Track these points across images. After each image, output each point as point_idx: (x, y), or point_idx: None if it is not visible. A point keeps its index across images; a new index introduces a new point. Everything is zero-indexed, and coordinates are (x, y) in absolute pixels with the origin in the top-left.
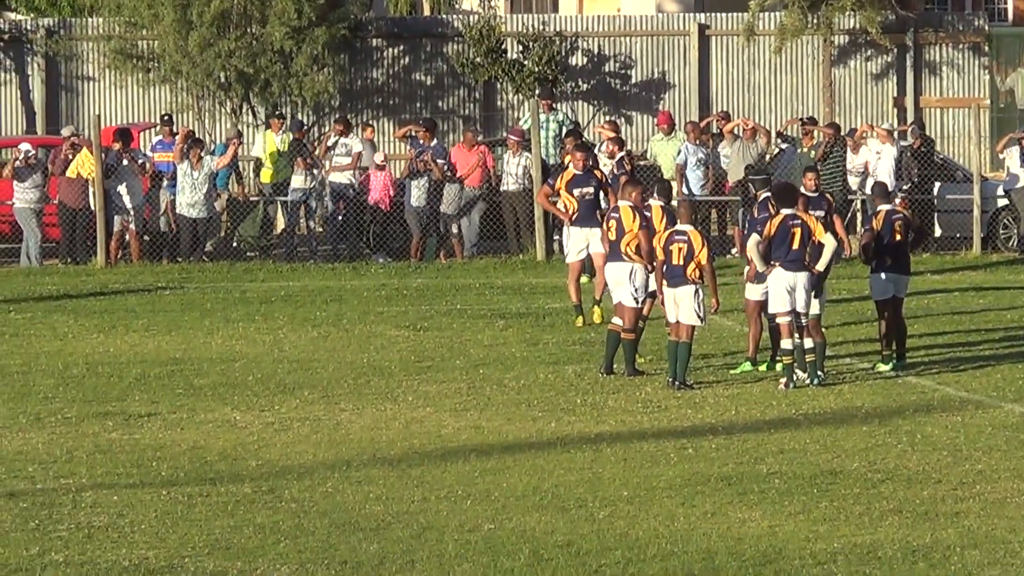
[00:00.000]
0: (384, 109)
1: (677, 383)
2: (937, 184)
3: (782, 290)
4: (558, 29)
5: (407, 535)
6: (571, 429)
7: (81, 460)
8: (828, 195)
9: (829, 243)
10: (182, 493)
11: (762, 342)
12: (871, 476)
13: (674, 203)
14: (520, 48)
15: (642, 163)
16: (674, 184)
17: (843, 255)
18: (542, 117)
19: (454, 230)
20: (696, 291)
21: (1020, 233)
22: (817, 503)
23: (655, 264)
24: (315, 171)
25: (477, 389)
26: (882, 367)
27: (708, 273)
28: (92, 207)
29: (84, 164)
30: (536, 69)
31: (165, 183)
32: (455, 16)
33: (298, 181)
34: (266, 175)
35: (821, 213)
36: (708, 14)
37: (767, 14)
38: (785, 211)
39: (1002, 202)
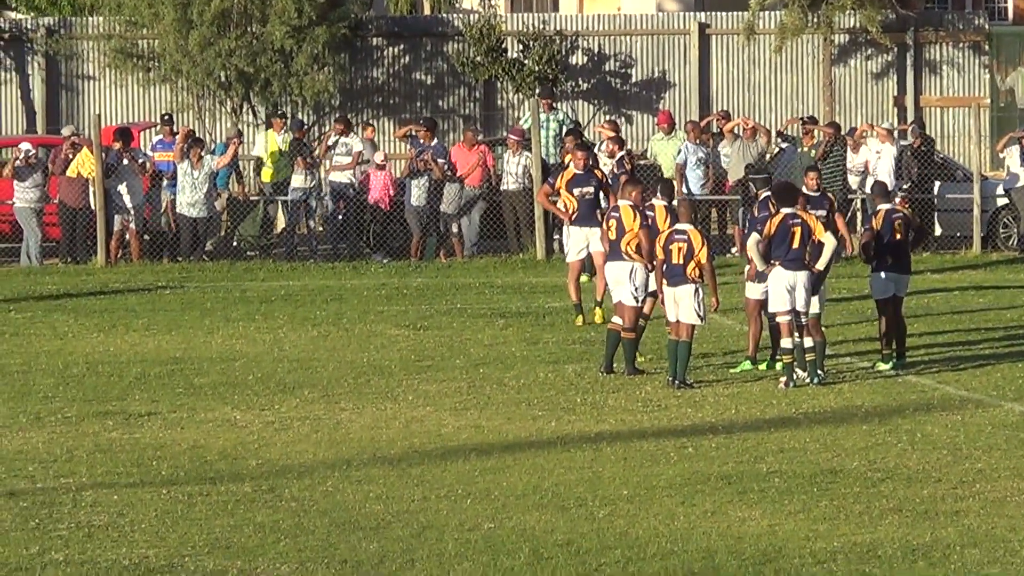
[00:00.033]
0: (384, 108)
1: (677, 382)
2: (937, 183)
3: (782, 289)
4: (558, 28)
5: (407, 534)
6: (571, 428)
7: (81, 459)
8: (830, 194)
9: (829, 242)
10: (182, 492)
11: (762, 341)
12: (871, 475)
13: (674, 203)
14: (520, 47)
15: (642, 162)
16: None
17: (843, 253)
18: (542, 116)
19: (454, 229)
20: (696, 290)
21: (1020, 232)
22: (817, 502)
23: (655, 263)
24: (315, 170)
25: (477, 388)
26: (882, 366)
27: (708, 272)
28: (92, 206)
29: (84, 163)
30: (536, 68)
31: (165, 183)
32: (455, 15)
33: (298, 180)
34: (267, 174)
35: (823, 212)
36: (708, 13)
37: (767, 13)
38: (785, 210)
39: (1002, 201)
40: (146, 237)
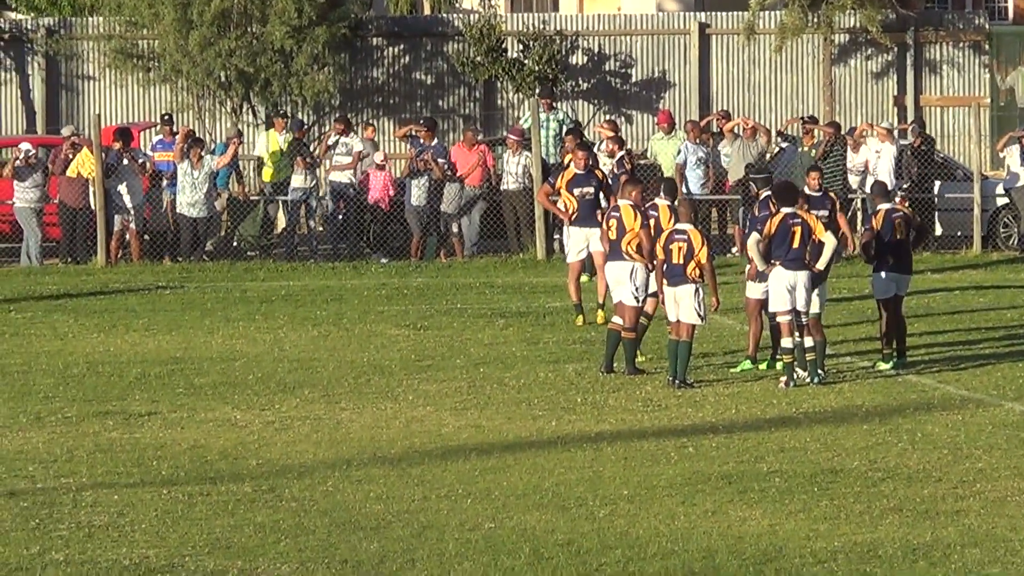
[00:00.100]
0: (384, 108)
1: (677, 382)
2: (937, 183)
3: (782, 289)
4: (558, 28)
5: (407, 534)
6: (571, 428)
7: (81, 459)
8: (832, 194)
9: (829, 242)
10: (182, 492)
11: (762, 341)
12: (871, 474)
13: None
14: (520, 47)
15: (642, 162)
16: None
17: (844, 253)
18: (542, 116)
19: (454, 229)
20: (696, 290)
21: (1020, 232)
22: (817, 501)
23: (655, 263)
24: (314, 170)
25: (477, 388)
26: (882, 365)
27: (708, 272)
28: (92, 206)
29: (84, 163)
30: (536, 68)
31: (165, 183)
32: (455, 15)
33: (298, 180)
34: (267, 174)
35: (825, 212)
36: (708, 13)
37: (767, 13)
38: (785, 210)
39: (1002, 201)
40: (146, 237)
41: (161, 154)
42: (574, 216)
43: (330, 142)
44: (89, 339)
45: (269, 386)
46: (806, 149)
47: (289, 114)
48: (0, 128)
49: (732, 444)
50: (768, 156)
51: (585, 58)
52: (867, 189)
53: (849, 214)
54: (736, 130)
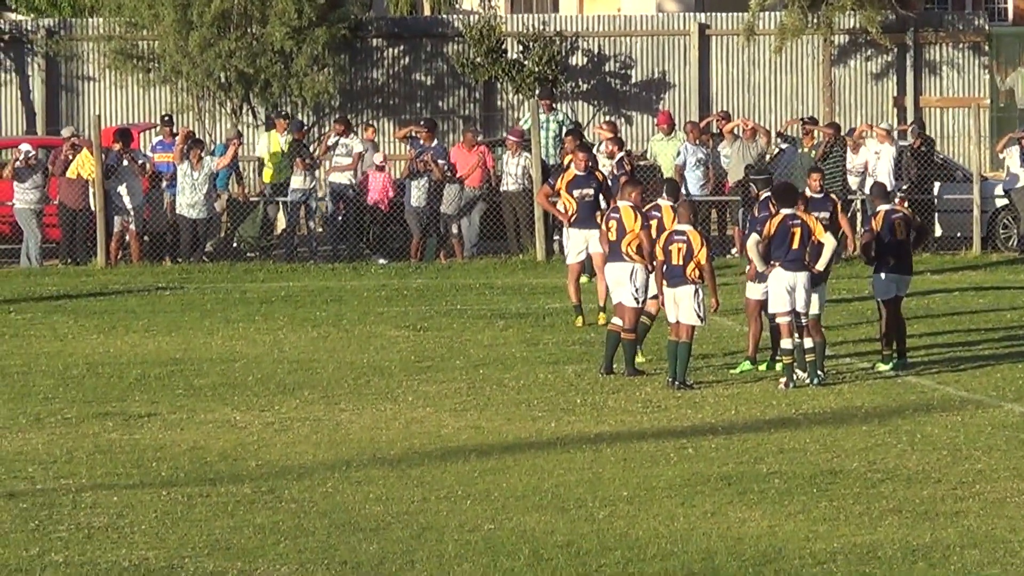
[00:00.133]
0: (384, 109)
1: (677, 383)
2: (937, 184)
3: (782, 290)
4: (558, 29)
5: (407, 535)
6: (571, 429)
7: (81, 460)
8: (833, 195)
9: (829, 243)
10: (182, 493)
11: (762, 342)
12: (871, 476)
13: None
14: (520, 48)
15: (642, 163)
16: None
17: (844, 254)
18: (542, 117)
19: (454, 230)
20: (696, 291)
21: (1020, 233)
22: (817, 503)
23: (655, 264)
24: (314, 171)
25: (477, 389)
26: (882, 367)
27: (707, 273)
28: (92, 208)
29: (84, 165)
30: (536, 69)
31: (165, 184)
32: (455, 16)
33: (297, 181)
34: (267, 175)
35: (827, 214)
36: (708, 14)
37: (767, 14)
38: (785, 211)
39: (1002, 202)
40: (146, 238)
41: (161, 155)
42: (573, 218)
43: (330, 143)
44: (89, 340)
45: (269, 387)
46: (806, 150)
47: (289, 115)
48: (0, 129)
49: (731, 445)
50: (768, 157)
51: (585, 59)
52: (867, 190)
53: (849, 215)
54: (736, 131)
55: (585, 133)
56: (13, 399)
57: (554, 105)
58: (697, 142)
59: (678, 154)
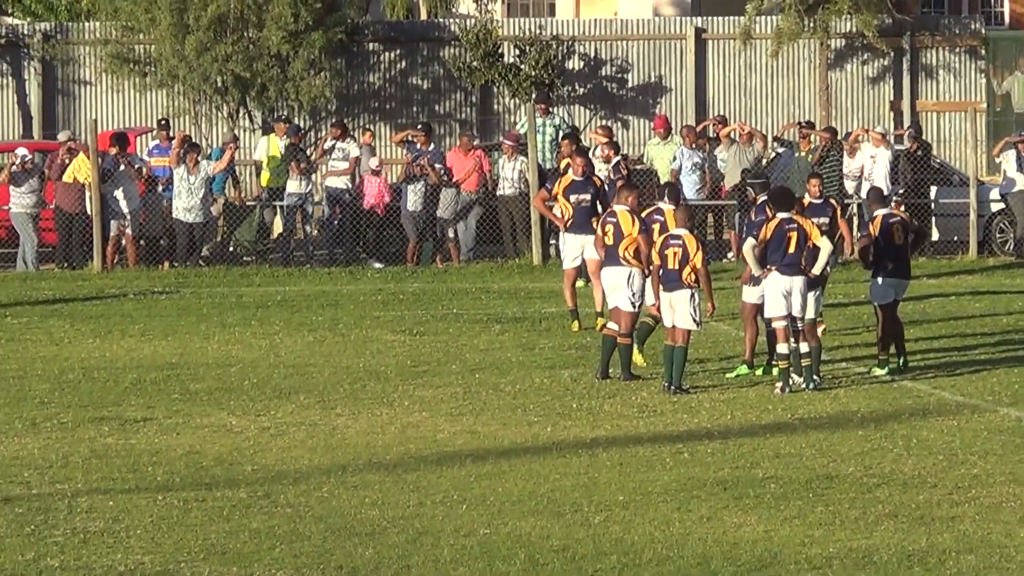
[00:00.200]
0: (381, 113)
1: (673, 387)
2: (934, 188)
3: (778, 294)
4: (555, 33)
5: (403, 540)
6: (567, 434)
7: (77, 465)
8: (832, 200)
9: (825, 247)
10: (178, 498)
11: (758, 346)
12: (867, 480)
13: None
14: (517, 52)
15: (638, 167)
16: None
17: (840, 258)
18: (539, 121)
19: (450, 235)
20: (692, 295)
21: (1016, 237)
22: (813, 507)
23: (652, 268)
24: (310, 175)
25: (473, 394)
26: (878, 371)
27: (703, 277)
28: (88, 212)
29: (80, 169)
30: (533, 73)
31: (161, 188)
32: (452, 20)
33: (293, 186)
34: (265, 179)
35: (826, 220)
36: (704, 18)
37: (764, 18)
38: (781, 215)
39: (998, 206)
40: (142, 242)
41: (157, 159)
42: (569, 222)
43: (326, 146)
44: (85, 344)
45: (265, 392)
46: (802, 154)
47: (289, 119)
48: None
49: (727, 450)
50: (764, 161)
51: (581, 63)
52: (863, 195)
53: (846, 219)
54: (732, 135)
55: (581, 137)
56: (9, 403)
57: (550, 109)
58: (693, 146)
59: (674, 158)
